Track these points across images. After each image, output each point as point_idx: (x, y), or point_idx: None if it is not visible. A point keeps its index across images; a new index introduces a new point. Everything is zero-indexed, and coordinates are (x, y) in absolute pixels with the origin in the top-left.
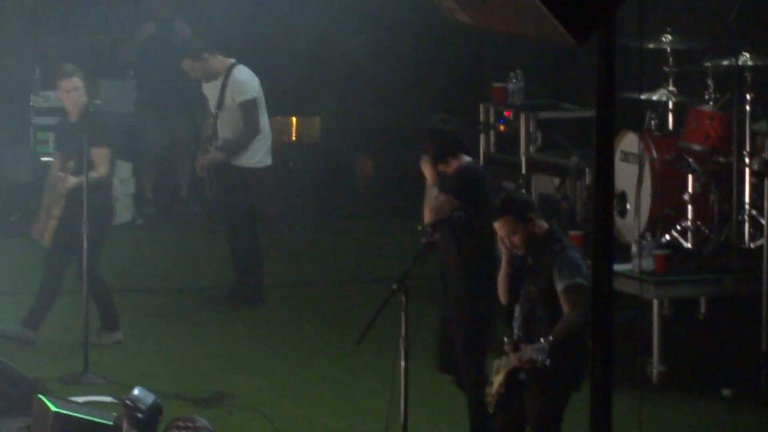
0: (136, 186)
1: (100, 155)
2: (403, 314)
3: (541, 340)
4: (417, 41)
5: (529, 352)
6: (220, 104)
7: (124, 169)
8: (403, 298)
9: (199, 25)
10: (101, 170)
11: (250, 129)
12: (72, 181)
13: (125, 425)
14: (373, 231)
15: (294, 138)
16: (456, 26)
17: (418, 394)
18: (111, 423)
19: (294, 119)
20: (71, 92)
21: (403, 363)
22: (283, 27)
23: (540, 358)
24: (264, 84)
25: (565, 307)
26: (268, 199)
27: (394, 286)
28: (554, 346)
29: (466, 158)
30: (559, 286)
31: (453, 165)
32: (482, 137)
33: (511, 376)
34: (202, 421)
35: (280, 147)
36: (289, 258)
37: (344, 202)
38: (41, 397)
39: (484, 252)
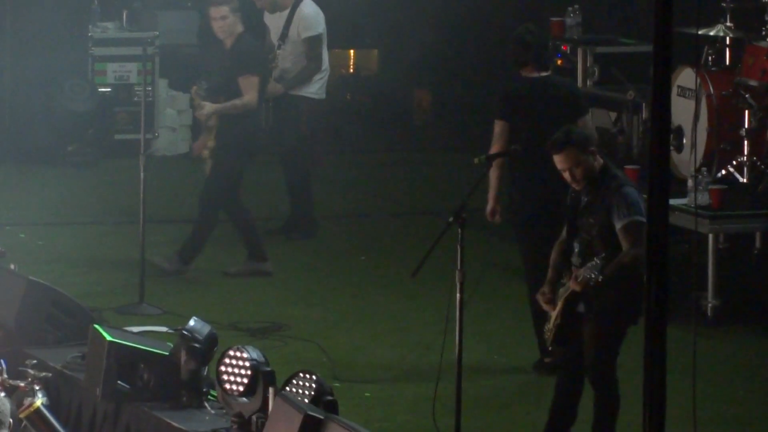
0: (194, 117)
1: (249, 83)
2: (459, 246)
3: (595, 258)
4: None
5: (582, 272)
6: (284, 36)
7: (182, 99)
8: (460, 230)
9: None
10: (248, 97)
11: (314, 64)
12: (209, 108)
13: (182, 355)
14: (430, 163)
15: (352, 70)
16: None
17: (472, 326)
18: (167, 353)
19: (352, 52)
20: (218, 20)
21: (459, 295)
22: None
23: (593, 275)
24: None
25: (625, 245)
26: (323, 131)
27: (451, 219)
28: (613, 280)
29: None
30: (618, 224)
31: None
32: None
33: (569, 308)
34: (253, 352)
35: (338, 79)
36: (345, 190)
37: (401, 134)
38: (96, 326)
39: None
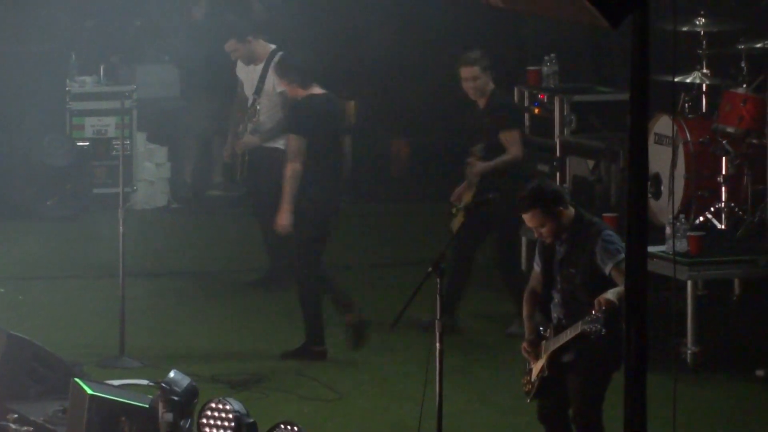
0: (172, 170)
1: (511, 137)
2: (438, 297)
3: (594, 312)
4: (451, 25)
5: (581, 325)
6: (259, 89)
7: (160, 153)
8: (438, 280)
9: (241, 11)
10: (513, 151)
11: None
12: (480, 166)
13: (161, 408)
14: (408, 214)
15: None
16: (489, 9)
17: (452, 377)
18: (147, 405)
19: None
20: (469, 81)
21: (438, 345)
22: (319, 12)
23: (594, 329)
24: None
25: (621, 283)
26: None
27: (430, 269)
28: (608, 320)
29: None
30: (608, 267)
31: None
32: None
33: (554, 359)
34: (235, 404)
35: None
36: None
37: (378, 185)
38: (77, 380)
39: None
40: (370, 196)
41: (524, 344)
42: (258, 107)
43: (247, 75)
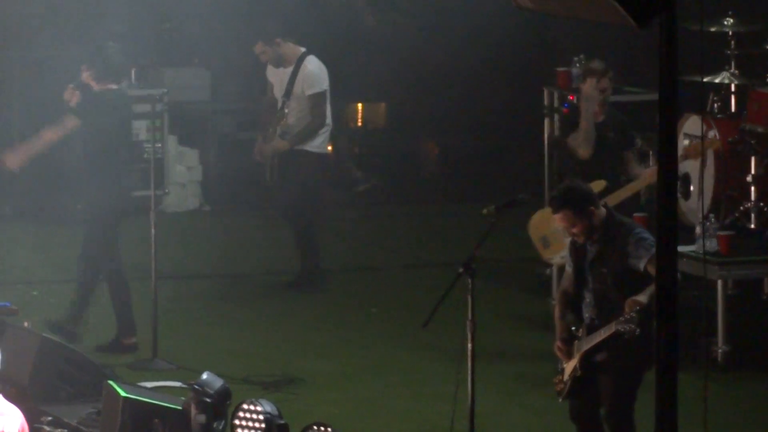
0: (204, 173)
1: (629, 156)
2: (469, 297)
3: (630, 312)
4: (481, 26)
5: (615, 325)
6: (288, 92)
7: (192, 156)
8: (470, 280)
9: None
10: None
11: (319, 120)
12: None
13: (194, 409)
14: (438, 215)
15: (360, 124)
16: (518, 11)
17: (484, 376)
18: (180, 407)
19: (360, 105)
20: (592, 93)
21: (470, 345)
22: (349, 14)
23: (628, 329)
24: (330, 71)
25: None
26: (327, 185)
27: (461, 269)
28: (642, 320)
29: None
30: (643, 262)
31: None
32: (546, 121)
33: (586, 359)
34: (268, 405)
35: (347, 132)
36: (355, 243)
37: (409, 186)
38: (110, 382)
39: None
40: (401, 198)
41: (557, 344)
42: (287, 110)
43: (276, 77)
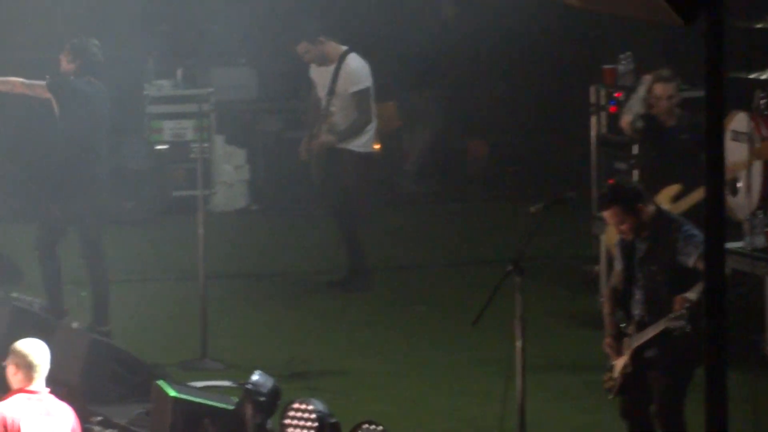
0: (251, 172)
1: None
2: (518, 295)
3: (679, 309)
4: (527, 23)
5: (665, 322)
6: (331, 91)
7: (239, 155)
8: (518, 278)
9: (315, 10)
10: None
11: (363, 117)
12: None
13: (247, 409)
14: (486, 213)
15: (400, 122)
16: (565, 8)
17: (533, 374)
18: (231, 407)
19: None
20: (663, 99)
21: (519, 343)
22: (391, 13)
23: (679, 325)
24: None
25: None
26: (373, 184)
27: (509, 267)
28: (692, 317)
29: None
30: (692, 259)
31: None
32: (593, 119)
33: (637, 356)
34: (318, 404)
35: (392, 131)
36: (403, 241)
37: (455, 185)
38: (160, 382)
39: None
40: (449, 196)
41: (606, 341)
42: (332, 108)
43: (320, 76)
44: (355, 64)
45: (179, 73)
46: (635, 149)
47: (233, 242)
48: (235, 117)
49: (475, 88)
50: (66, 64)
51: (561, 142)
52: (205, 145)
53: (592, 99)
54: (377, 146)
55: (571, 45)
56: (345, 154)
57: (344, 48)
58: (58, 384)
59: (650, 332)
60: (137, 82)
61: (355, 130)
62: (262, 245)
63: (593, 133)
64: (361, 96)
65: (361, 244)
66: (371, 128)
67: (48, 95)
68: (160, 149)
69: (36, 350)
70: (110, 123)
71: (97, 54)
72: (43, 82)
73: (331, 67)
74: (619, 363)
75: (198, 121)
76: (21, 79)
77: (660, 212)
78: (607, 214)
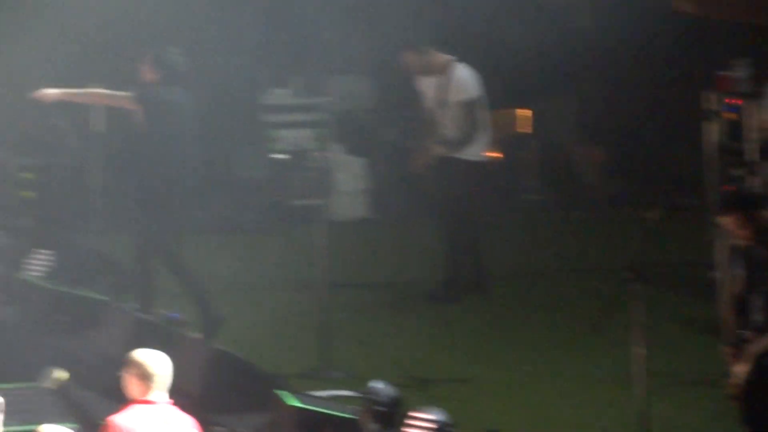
0: (371, 181)
1: None
2: (637, 301)
3: None
4: (638, 31)
5: None
6: (441, 101)
7: (358, 164)
8: (637, 285)
9: (425, 22)
10: None
11: (473, 127)
12: None
13: (367, 419)
14: (603, 220)
15: (518, 129)
16: (679, 15)
17: (656, 381)
18: (351, 416)
19: (518, 111)
20: None
21: (639, 350)
22: (503, 20)
23: None
24: (489, 78)
25: None
26: (487, 192)
27: (628, 274)
28: None
29: None
30: None
31: None
32: (708, 125)
33: (758, 362)
34: (439, 412)
35: (506, 138)
36: (522, 248)
37: (569, 191)
38: (282, 392)
39: None
40: (565, 203)
41: (725, 348)
42: (441, 119)
43: (428, 87)
44: (464, 74)
45: (297, 81)
46: (750, 155)
47: (352, 251)
48: (354, 126)
49: (587, 96)
50: (149, 75)
51: (676, 149)
52: (324, 154)
53: (706, 106)
54: (493, 154)
55: (685, 51)
56: (454, 164)
57: (451, 58)
58: (179, 394)
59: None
60: (253, 92)
61: (465, 140)
62: (382, 254)
63: (709, 139)
64: (470, 106)
65: (462, 256)
66: (482, 137)
67: (132, 106)
68: (278, 158)
69: (155, 360)
70: (196, 132)
71: (181, 63)
72: (128, 93)
73: (439, 78)
74: (740, 369)
75: (317, 130)
76: (104, 90)
77: None
78: (726, 221)
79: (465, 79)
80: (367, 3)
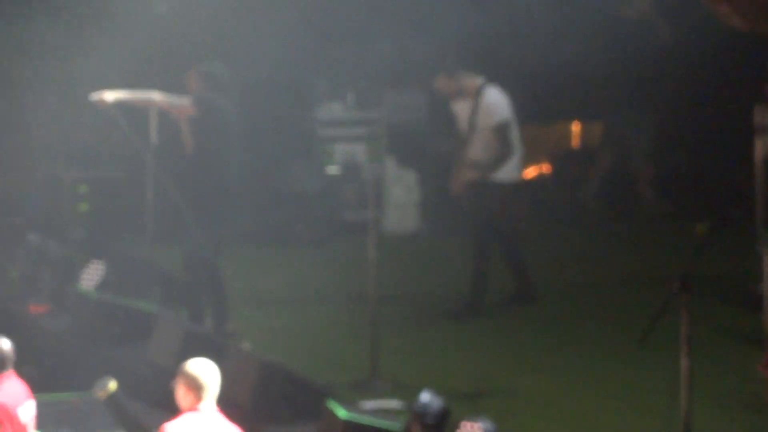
0: (423, 194)
1: None
2: (684, 312)
3: None
4: (691, 45)
5: None
6: (472, 125)
7: (410, 177)
8: (685, 296)
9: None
10: None
11: (505, 150)
12: None
13: (415, 430)
14: (653, 232)
15: (576, 144)
16: (730, 30)
17: (699, 392)
18: (400, 428)
19: (576, 125)
20: None
21: (685, 361)
22: (550, 37)
23: None
24: (539, 93)
25: None
26: (520, 212)
27: (676, 285)
28: None
29: None
30: None
31: None
32: (759, 139)
33: None
34: (488, 424)
35: (562, 153)
36: (571, 259)
37: (624, 204)
38: (331, 403)
39: None
40: (617, 215)
41: (764, 361)
42: (473, 143)
43: (461, 110)
44: (493, 97)
45: (351, 95)
46: None
47: (404, 264)
48: (406, 139)
49: (638, 108)
50: (195, 87)
51: (726, 162)
52: (377, 167)
53: (757, 119)
54: (533, 172)
55: (737, 65)
56: (489, 186)
57: (481, 80)
58: (229, 405)
59: None
60: (309, 105)
61: (497, 164)
62: (433, 267)
63: (757, 154)
64: (501, 129)
65: (482, 279)
66: (513, 158)
67: (191, 111)
68: (331, 171)
69: (205, 370)
70: (242, 143)
71: (225, 76)
72: (186, 97)
73: (470, 101)
74: None
75: (370, 143)
76: (162, 94)
77: None
78: None
79: (494, 102)
80: (421, 16)
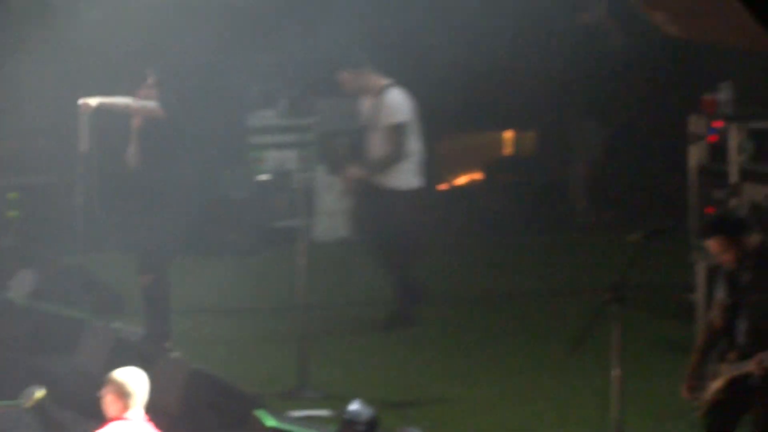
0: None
1: None
2: (616, 323)
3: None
4: (626, 54)
5: (762, 357)
6: (371, 124)
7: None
8: (616, 307)
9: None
10: None
11: (395, 152)
12: None
13: None
14: (585, 243)
15: (508, 152)
16: (665, 38)
17: (631, 402)
18: None
19: (509, 133)
20: None
21: (616, 371)
22: (490, 43)
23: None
24: (480, 100)
25: None
26: (419, 221)
27: (608, 296)
28: None
29: None
30: None
31: None
32: (692, 148)
33: (735, 382)
34: None
35: (494, 161)
36: (501, 270)
37: (555, 214)
38: (259, 412)
39: None
40: (548, 225)
41: (686, 384)
42: (371, 142)
43: (366, 108)
44: (393, 97)
45: (283, 103)
46: (734, 177)
47: (333, 272)
48: (336, 147)
49: (573, 117)
50: (149, 94)
51: (659, 172)
52: (308, 174)
53: (691, 128)
54: (464, 180)
55: (670, 74)
56: (388, 194)
57: (386, 81)
58: (157, 413)
59: (747, 367)
60: (241, 112)
61: (384, 165)
62: (363, 275)
63: (692, 162)
64: (393, 130)
65: (406, 285)
66: (410, 164)
67: (160, 115)
68: (261, 179)
69: (133, 378)
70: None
71: (177, 85)
72: (153, 103)
73: (372, 100)
74: (714, 386)
75: (301, 151)
76: (135, 100)
77: (764, 243)
78: (710, 244)
79: (396, 103)
80: (354, 23)
